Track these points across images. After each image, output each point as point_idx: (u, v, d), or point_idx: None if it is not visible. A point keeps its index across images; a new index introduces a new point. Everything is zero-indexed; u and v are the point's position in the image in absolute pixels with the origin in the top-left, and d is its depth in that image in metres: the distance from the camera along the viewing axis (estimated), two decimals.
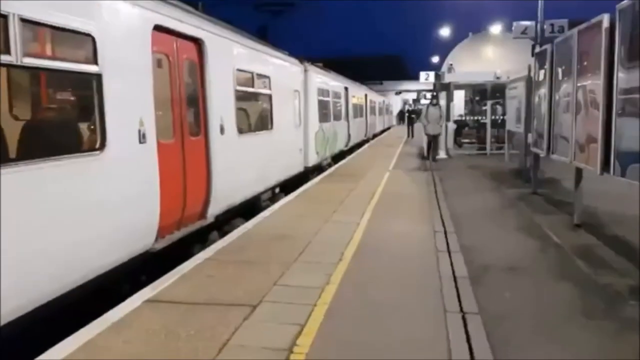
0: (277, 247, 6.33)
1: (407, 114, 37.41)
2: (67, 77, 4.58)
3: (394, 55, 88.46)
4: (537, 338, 3.94)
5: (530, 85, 10.64)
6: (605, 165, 5.74)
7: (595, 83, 6.06)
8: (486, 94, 20.08)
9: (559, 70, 7.93)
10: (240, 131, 8.07)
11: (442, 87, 19.76)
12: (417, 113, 35.83)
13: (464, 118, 20.73)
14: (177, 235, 6.13)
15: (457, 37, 43.30)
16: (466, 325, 4.08)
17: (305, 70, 13.32)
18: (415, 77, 38.48)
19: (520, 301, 4.71)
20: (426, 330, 4.00)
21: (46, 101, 4.84)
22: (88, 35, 4.50)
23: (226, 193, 7.34)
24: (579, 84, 6.76)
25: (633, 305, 4.48)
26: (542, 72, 9.15)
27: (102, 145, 4.69)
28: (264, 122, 9.80)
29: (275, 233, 7.04)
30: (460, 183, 12.03)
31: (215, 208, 7.06)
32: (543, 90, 8.92)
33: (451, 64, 36.25)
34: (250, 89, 8.92)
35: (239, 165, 7.95)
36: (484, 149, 18.51)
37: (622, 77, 5.26)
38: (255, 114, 9.44)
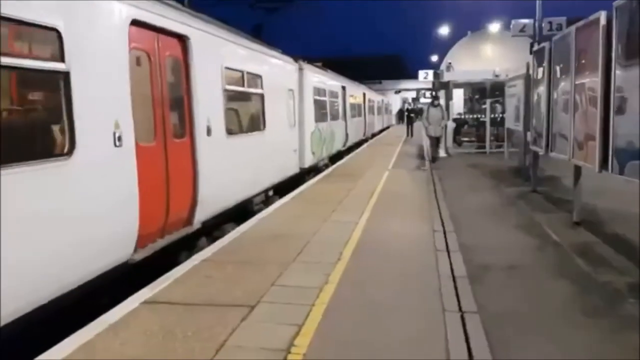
0: (275, 248, 6.32)
1: (406, 113, 37.40)
2: (28, 75, 4.10)
3: (393, 54, 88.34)
4: (536, 337, 3.93)
5: (529, 83, 10.63)
6: (604, 163, 5.73)
7: (593, 80, 6.05)
8: (485, 92, 20.08)
9: (557, 68, 7.92)
10: (230, 132, 7.77)
11: (441, 86, 19.74)
12: (417, 112, 35.90)
13: (463, 117, 20.72)
14: (161, 243, 5.78)
15: (456, 36, 43.43)
16: (465, 324, 4.07)
17: (300, 69, 13.02)
18: (415, 76, 38.62)
19: (519, 300, 4.69)
20: (425, 330, 3.99)
21: (3, 102, 4.18)
22: (53, 29, 4.13)
23: (214, 197, 7.02)
24: (577, 82, 6.75)
25: (632, 303, 4.47)
26: (540, 70, 9.13)
27: (71, 150, 4.30)
28: (256, 123, 9.46)
29: (273, 233, 7.03)
30: (460, 182, 12.02)
31: (203, 213, 6.73)
32: (541, 88, 8.91)
33: (450, 63, 36.31)
34: (240, 88, 8.60)
35: (229, 168, 7.62)
36: (484, 147, 18.50)
37: (620, 75, 5.25)
38: (246, 114, 9.13)
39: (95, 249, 4.63)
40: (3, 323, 3.67)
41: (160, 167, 5.83)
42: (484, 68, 20.95)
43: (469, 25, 45.11)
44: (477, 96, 22.02)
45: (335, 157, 17.37)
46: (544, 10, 17.54)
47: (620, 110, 5.28)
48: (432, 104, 16.56)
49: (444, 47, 45.41)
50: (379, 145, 24.29)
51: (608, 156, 5.57)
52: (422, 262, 5.72)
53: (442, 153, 16.98)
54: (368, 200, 9.35)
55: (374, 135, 31.22)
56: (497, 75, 18.78)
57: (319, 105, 14.81)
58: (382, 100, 40.99)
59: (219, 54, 7.62)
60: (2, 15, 3.65)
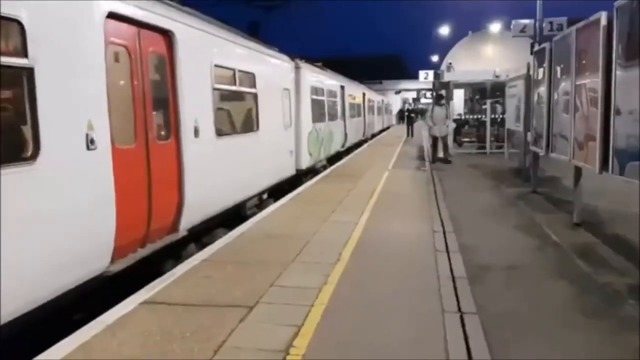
0: (275, 248, 6.30)
1: (406, 114, 37.38)
2: None
3: (394, 54, 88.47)
4: (535, 337, 3.91)
5: (530, 83, 10.61)
6: (604, 164, 5.71)
7: (593, 81, 6.03)
8: (485, 92, 20.06)
9: (558, 68, 7.90)
10: (220, 133, 7.41)
11: (442, 86, 19.69)
12: (417, 112, 35.92)
13: (463, 117, 20.70)
14: (142, 253, 5.45)
15: (457, 36, 43.46)
16: (464, 325, 4.05)
17: (297, 68, 12.68)
18: (415, 76, 38.65)
19: (519, 300, 4.68)
20: (424, 331, 3.97)
21: None
22: (14, 20, 3.77)
23: (203, 202, 6.67)
24: (577, 82, 6.73)
25: (632, 305, 4.45)
26: (541, 70, 9.12)
27: (35, 154, 3.92)
28: (249, 123, 9.09)
29: (272, 233, 7.02)
30: (460, 182, 12.00)
31: (189, 220, 6.39)
32: (542, 89, 8.89)
33: (450, 63, 36.33)
34: (231, 87, 8.21)
35: (219, 171, 7.28)
36: (484, 147, 18.48)
37: (620, 75, 5.23)
38: (237, 115, 8.80)
39: (63, 262, 4.24)
40: None
41: (141, 171, 5.47)
42: (485, 68, 20.97)
43: (470, 25, 45.17)
44: (477, 96, 22.01)
45: (334, 158, 17.16)
46: (545, 11, 17.56)
47: (620, 111, 5.27)
48: (437, 103, 16.02)
49: (444, 47, 45.47)
50: (379, 146, 24.27)
51: (608, 157, 5.56)
52: (422, 263, 5.71)
53: (442, 153, 16.40)
54: (368, 201, 9.33)
55: (373, 136, 31.13)
56: (497, 76, 18.77)
57: (317, 105, 14.47)
58: (382, 100, 40.88)
59: (208, 50, 7.28)
60: None
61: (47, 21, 4.10)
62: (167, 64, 6.08)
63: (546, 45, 8.60)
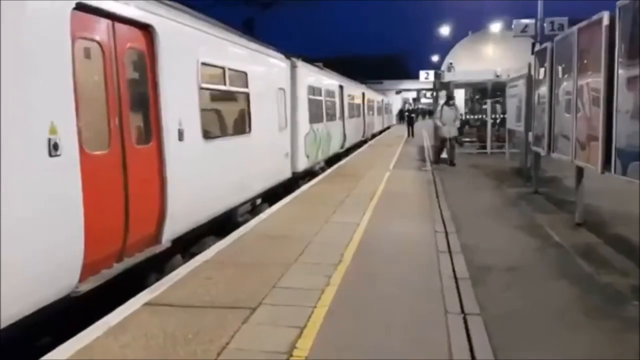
0: (276, 249, 6.29)
1: (407, 114, 37.35)
2: None
3: (394, 54, 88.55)
4: (538, 338, 3.91)
5: (531, 83, 10.60)
6: (607, 164, 5.70)
7: (595, 81, 6.02)
8: (486, 92, 20.04)
9: (559, 68, 7.89)
10: (207, 136, 6.90)
11: (442, 86, 19.66)
12: (417, 112, 35.88)
13: (464, 117, 20.66)
14: (118, 268, 4.95)
15: (457, 36, 43.46)
16: (467, 326, 4.05)
17: (294, 67, 12.14)
18: (416, 76, 38.67)
19: (521, 301, 4.67)
20: (427, 332, 3.97)
21: None
22: None
23: (188, 210, 6.20)
24: (579, 82, 6.72)
25: (635, 306, 4.44)
26: (542, 70, 9.11)
27: None
28: (240, 125, 8.57)
29: (274, 234, 7.01)
30: (461, 182, 12.00)
31: (173, 230, 5.89)
32: (543, 89, 8.89)
33: (451, 63, 36.31)
34: (220, 87, 7.71)
35: (206, 176, 6.79)
36: (485, 148, 18.47)
37: (622, 75, 5.22)
38: (227, 116, 8.34)
39: (19, 284, 3.74)
40: None
41: (117, 178, 4.98)
42: (485, 68, 20.93)
43: (470, 25, 45.13)
44: (478, 96, 22.00)
45: (333, 160, 16.82)
46: (545, 11, 17.56)
47: (622, 111, 5.25)
48: (446, 104, 15.68)
49: (445, 47, 45.46)
50: (380, 146, 24.26)
51: (611, 157, 5.54)
52: (424, 264, 5.70)
53: (442, 154, 16.27)
54: (369, 201, 9.33)
55: (374, 136, 31.02)
56: (498, 76, 18.75)
57: (314, 106, 14.02)
58: (383, 100, 40.81)
59: (194, 47, 6.75)
60: None
61: (1, 12, 3.64)
62: (147, 62, 5.60)
63: (547, 45, 8.59)
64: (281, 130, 10.96)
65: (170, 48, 5.88)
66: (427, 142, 23.01)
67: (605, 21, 5.71)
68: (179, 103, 6.12)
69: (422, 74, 34.42)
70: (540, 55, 9.39)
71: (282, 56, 11.46)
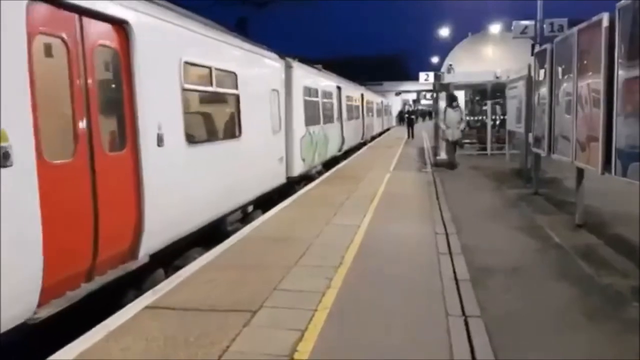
0: (277, 251, 6.29)
1: (406, 115, 37.34)
2: None
3: (394, 55, 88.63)
4: (539, 339, 3.91)
5: (531, 84, 10.60)
6: (607, 165, 5.70)
7: (595, 82, 6.03)
8: (486, 93, 20.03)
9: (559, 69, 7.90)
10: (191, 141, 6.46)
11: (442, 88, 19.65)
12: (417, 114, 35.90)
13: (464, 118, 20.65)
14: (87, 289, 4.50)
15: (457, 37, 43.46)
16: (468, 328, 4.05)
17: (289, 67, 11.65)
18: (415, 78, 38.70)
19: (522, 302, 4.67)
20: (428, 334, 3.97)
21: None
22: None
23: (169, 222, 5.78)
24: (579, 83, 6.73)
25: (635, 307, 4.44)
26: (542, 71, 9.12)
27: None
28: (228, 129, 8.08)
29: (275, 237, 7.01)
30: (461, 184, 12.00)
31: (152, 244, 5.44)
32: (543, 90, 8.89)
33: (451, 64, 36.31)
34: (207, 88, 7.24)
35: (190, 184, 6.35)
36: (485, 149, 18.47)
37: (622, 76, 5.23)
38: (215, 119, 7.89)
39: None
40: None
41: (84, 189, 4.50)
42: (485, 69, 20.90)
43: (470, 26, 45.13)
44: (477, 98, 21.99)
45: (331, 163, 16.37)
46: (545, 12, 17.57)
47: (622, 112, 5.26)
48: (450, 106, 15.38)
49: (444, 49, 45.44)
50: (380, 148, 24.25)
51: (611, 158, 5.55)
52: (425, 265, 5.70)
53: (443, 155, 16.01)
54: (370, 203, 9.33)
55: (373, 138, 30.91)
56: (498, 77, 18.74)
57: (311, 107, 13.52)
58: (382, 102, 40.72)
59: (176, 45, 6.28)
60: None
61: None
62: (122, 60, 5.14)
63: (547, 46, 8.59)
64: (275, 133, 10.47)
65: (148, 46, 5.45)
66: (427, 143, 23.01)
67: (605, 22, 5.71)
68: (159, 105, 5.68)
69: (422, 75, 34.48)
70: (540, 57, 9.39)
71: (276, 56, 11.01)
